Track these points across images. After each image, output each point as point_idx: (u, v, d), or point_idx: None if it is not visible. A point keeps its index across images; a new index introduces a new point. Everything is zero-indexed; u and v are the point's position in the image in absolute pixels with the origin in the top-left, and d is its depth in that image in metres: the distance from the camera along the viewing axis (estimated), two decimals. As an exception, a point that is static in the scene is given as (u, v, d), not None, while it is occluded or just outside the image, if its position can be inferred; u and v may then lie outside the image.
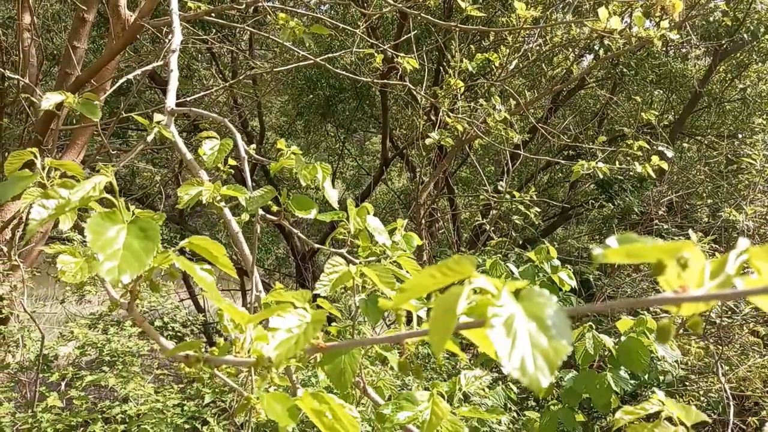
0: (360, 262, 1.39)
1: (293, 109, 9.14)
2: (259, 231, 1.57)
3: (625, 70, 6.76)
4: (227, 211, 1.56)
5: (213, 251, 0.88)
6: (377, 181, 8.61)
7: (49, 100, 1.44)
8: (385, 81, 4.52)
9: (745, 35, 6.27)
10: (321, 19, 4.04)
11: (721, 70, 7.83)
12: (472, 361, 3.94)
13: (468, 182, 9.60)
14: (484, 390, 3.17)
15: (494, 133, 4.60)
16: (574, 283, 2.94)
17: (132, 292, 0.89)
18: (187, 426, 3.04)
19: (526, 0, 3.96)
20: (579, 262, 5.96)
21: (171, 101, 1.71)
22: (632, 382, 2.63)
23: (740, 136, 7.48)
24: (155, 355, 4.09)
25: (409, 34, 4.33)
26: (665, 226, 5.60)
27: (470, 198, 8.84)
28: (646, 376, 3.16)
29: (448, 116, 4.24)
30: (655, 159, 4.00)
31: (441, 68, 6.35)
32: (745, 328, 4.23)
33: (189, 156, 1.69)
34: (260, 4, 3.04)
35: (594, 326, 2.58)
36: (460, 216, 7.81)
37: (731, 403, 3.41)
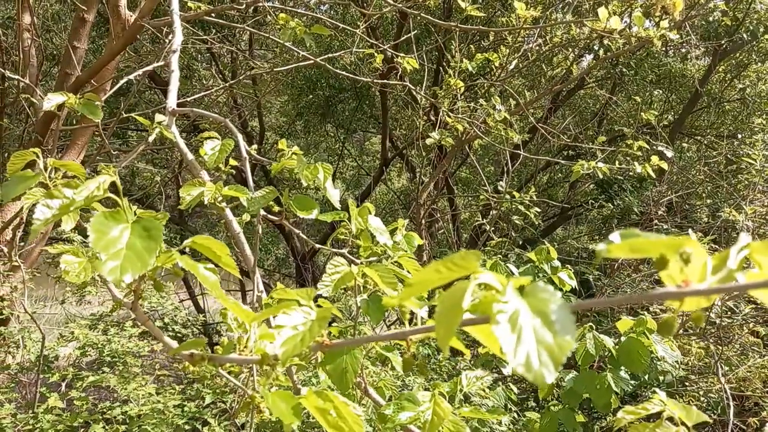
0: (361, 263, 1.39)
1: (293, 109, 9.14)
2: (260, 231, 1.58)
3: (624, 70, 6.77)
4: (229, 212, 1.57)
5: (216, 251, 0.88)
6: (377, 182, 8.62)
7: (51, 101, 1.44)
8: (385, 81, 4.53)
9: (744, 35, 6.27)
10: (321, 19, 4.04)
11: (720, 70, 7.84)
12: (472, 362, 3.94)
13: (468, 182, 9.60)
14: (484, 390, 3.17)
15: (494, 133, 4.60)
16: (574, 284, 2.94)
17: (135, 291, 0.89)
18: (187, 427, 3.04)
19: (526, 0, 3.97)
20: (579, 262, 5.97)
21: (172, 101, 1.71)
22: (632, 382, 2.63)
23: (740, 136, 7.48)
24: (155, 356, 4.10)
25: (409, 34, 4.33)
26: (665, 226, 5.60)
27: (470, 198, 8.84)
28: (646, 377, 3.17)
29: (448, 116, 4.24)
30: (654, 159, 4.00)
31: (441, 68, 6.36)
32: (745, 328, 4.23)
33: (190, 156, 1.69)
34: (260, 4, 3.04)
35: (594, 327, 2.58)
36: (459, 216, 7.81)
37: (731, 404, 3.41)
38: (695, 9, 5.59)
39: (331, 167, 1.58)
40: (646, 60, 7.00)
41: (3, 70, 2.93)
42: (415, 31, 4.78)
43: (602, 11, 3.00)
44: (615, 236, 0.46)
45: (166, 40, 3.08)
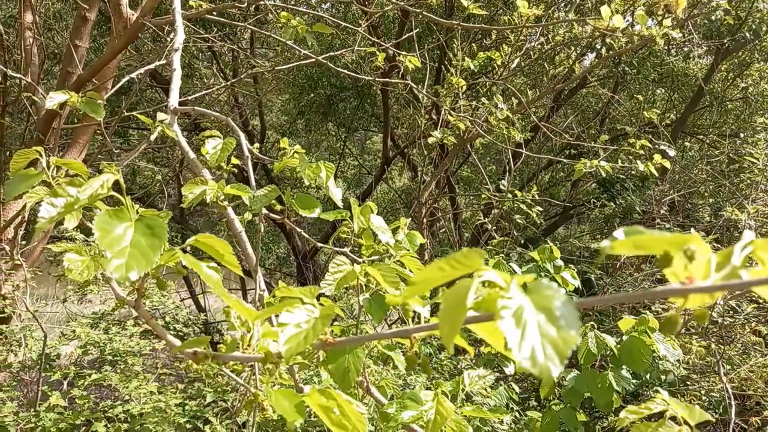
0: (363, 262, 1.39)
1: (294, 108, 9.15)
2: (263, 230, 1.58)
3: (627, 68, 6.76)
4: (230, 210, 1.57)
5: (219, 249, 0.88)
6: (378, 180, 8.62)
7: (53, 99, 1.45)
8: (387, 80, 4.53)
9: (747, 34, 6.26)
10: (322, 17, 4.04)
11: (722, 68, 7.82)
12: (474, 361, 3.94)
13: (469, 181, 9.60)
14: (486, 390, 3.17)
15: (496, 132, 4.60)
16: (577, 283, 2.94)
17: (139, 290, 0.89)
18: (189, 425, 3.05)
19: (528, -1, 3.96)
20: (581, 261, 5.96)
21: (174, 100, 1.72)
22: (634, 381, 2.63)
23: (742, 135, 7.47)
24: (157, 355, 4.10)
25: (411, 33, 4.33)
26: (667, 226, 5.60)
27: (471, 197, 8.84)
28: (647, 376, 3.17)
29: (450, 115, 4.24)
30: (657, 158, 4.00)
31: (442, 67, 6.35)
32: (746, 327, 4.23)
33: (192, 155, 1.69)
34: (262, 2, 3.04)
35: (595, 326, 2.58)
36: (461, 215, 7.81)
37: (733, 403, 3.40)
38: (698, 7, 5.58)
39: (333, 166, 1.58)
40: (649, 59, 6.99)
41: (5, 69, 2.94)
42: (417, 30, 4.78)
43: (605, 9, 3.00)
44: (619, 233, 0.46)
45: (168, 39, 3.08)
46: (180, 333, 4.17)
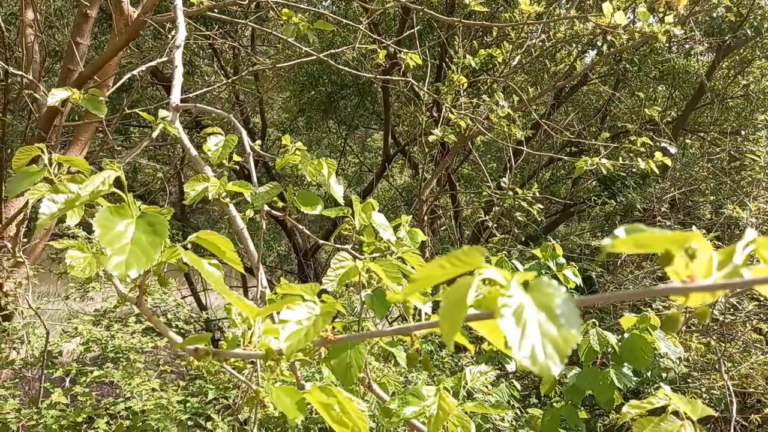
0: (365, 258, 1.39)
1: (295, 105, 9.14)
2: (264, 227, 1.58)
3: (628, 66, 6.75)
4: (232, 207, 1.57)
5: (221, 246, 0.88)
6: (379, 178, 8.62)
7: (55, 96, 1.45)
8: (388, 77, 4.52)
9: (748, 31, 6.25)
10: (324, 14, 4.03)
11: (724, 66, 7.81)
12: (475, 359, 3.94)
13: (470, 179, 9.60)
14: (487, 387, 3.17)
15: (497, 130, 4.59)
16: (579, 281, 2.94)
17: (140, 287, 0.89)
18: (190, 422, 3.05)
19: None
20: (581, 259, 5.96)
21: (176, 97, 1.72)
22: (634, 379, 2.63)
23: (743, 132, 7.46)
24: (158, 352, 4.11)
25: (412, 30, 4.32)
26: (668, 223, 5.59)
27: (472, 195, 8.84)
28: (648, 374, 3.17)
29: (451, 112, 4.24)
30: (658, 155, 3.99)
31: (443, 64, 6.35)
32: (747, 325, 4.23)
33: (194, 152, 1.69)
34: None
35: (597, 323, 2.58)
36: (462, 213, 7.81)
37: (734, 401, 3.41)
38: (699, 4, 5.57)
39: (335, 163, 1.58)
40: (650, 56, 6.98)
41: (6, 66, 2.94)
42: (418, 27, 4.77)
43: (606, 6, 2.99)
44: (620, 231, 0.46)
45: (169, 36, 3.08)
46: (181, 330, 4.17)
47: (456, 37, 5.02)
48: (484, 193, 5.35)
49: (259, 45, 8.26)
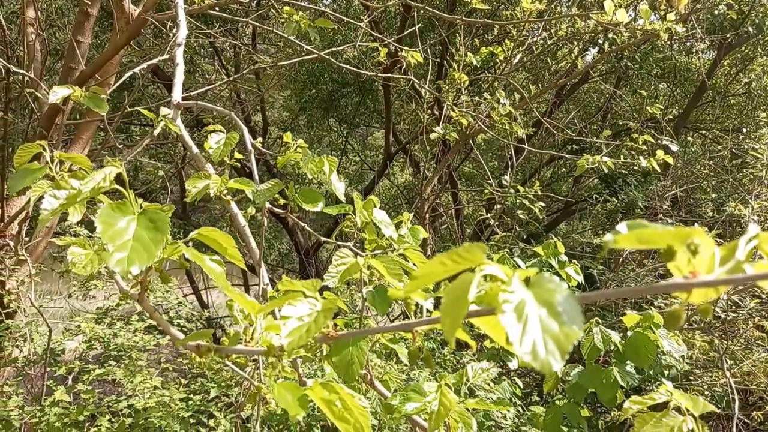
0: (366, 255, 1.39)
1: (296, 104, 9.14)
2: (266, 224, 1.58)
3: (629, 63, 6.74)
4: (234, 205, 1.57)
5: (222, 242, 0.88)
6: (380, 176, 8.62)
7: (57, 94, 1.45)
8: (389, 75, 4.51)
9: (750, 28, 6.23)
10: (325, 12, 4.03)
11: (725, 63, 7.79)
12: (476, 356, 3.95)
13: (471, 177, 9.60)
14: (489, 384, 3.18)
15: (498, 128, 4.59)
16: (580, 279, 2.94)
17: (142, 283, 0.90)
18: (192, 420, 3.06)
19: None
20: (583, 257, 5.96)
21: (177, 95, 1.72)
22: (637, 376, 2.63)
23: (745, 130, 7.44)
24: (160, 350, 4.11)
25: (413, 28, 4.32)
26: (669, 221, 5.59)
27: (474, 193, 8.84)
28: (650, 371, 3.16)
29: (453, 110, 4.23)
30: (659, 153, 3.99)
31: (445, 62, 6.34)
32: (750, 322, 4.22)
33: (195, 150, 1.69)
34: (264, -2, 3.03)
35: (600, 321, 2.58)
36: (463, 211, 7.80)
37: (736, 398, 3.41)
38: (700, 2, 5.56)
39: (336, 160, 1.58)
40: (651, 54, 6.96)
41: (8, 65, 2.94)
42: (419, 25, 4.76)
43: (608, 4, 2.99)
44: (622, 227, 0.46)
45: (170, 35, 3.08)
46: (183, 329, 4.18)
47: (457, 34, 5.01)
48: (486, 191, 5.35)
49: (260, 43, 8.26)
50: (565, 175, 9.40)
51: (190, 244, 0.89)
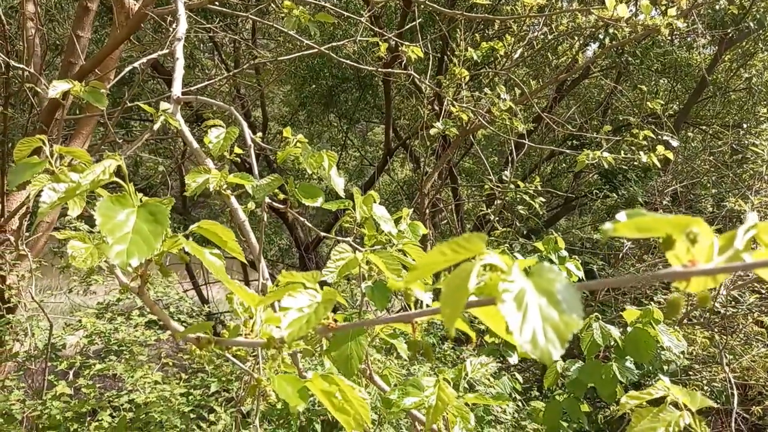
0: (365, 250, 1.39)
1: (296, 99, 9.13)
2: (266, 219, 1.58)
3: (630, 59, 6.73)
4: (234, 200, 1.57)
5: (222, 236, 0.88)
6: (380, 172, 8.61)
7: (56, 89, 1.45)
8: (389, 70, 4.51)
9: (751, 24, 6.22)
10: (325, 6, 4.02)
11: (726, 59, 7.78)
12: (477, 352, 3.96)
13: (471, 173, 9.59)
14: (489, 379, 3.18)
15: (498, 123, 4.58)
16: (581, 274, 2.94)
17: (142, 276, 0.90)
18: (193, 415, 3.07)
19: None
20: (583, 252, 5.96)
21: (177, 89, 1.71)
22: (636, 371, 2.64)
23: (745, 125, 7.44)
24: (161, 345, 4.13)
25: (413, 23, 4.31)
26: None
27: (474, 189, 8.84)
28: (650, 367, 3.17)
29: (453, 105, 4.23)
30: (660, 148, 3.98)
31: (445, 57, 6.33)
32: (749, 318, 4.23)
33: (195, 144, 1.69)
34: (264, -8, 3.02)
35: (599, 317, 2.58)
36: (463, 206, 7.80)
37: (735, 393, 3.41)
38: (702, -3, 5.54)
39: (336, 155, 1.57)
40: (652, 49, 6.95)
41: (7, 59, 2.93)
42: (419, 20, 4.75)
43: (608, -2, 2.98)
44: (621, 215, 0.46)
45: (170, 29, 3.08)
46: (184, 324, 4.18)
47: (458, 29, 5.00)
48: (486, 187, 5.35)
49: (260, 38, 8.24)
50: (566, 170, 9.40)
51: (191, 238, 0.89)
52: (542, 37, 5.22)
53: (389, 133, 7.76)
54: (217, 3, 3.34)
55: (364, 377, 1.39)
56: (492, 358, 3.18)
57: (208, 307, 5.53)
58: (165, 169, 6.59)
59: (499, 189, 5.20)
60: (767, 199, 5.01)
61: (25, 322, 3.28)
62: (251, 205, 1.58)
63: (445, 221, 7.62)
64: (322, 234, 1.83)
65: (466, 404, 1.30)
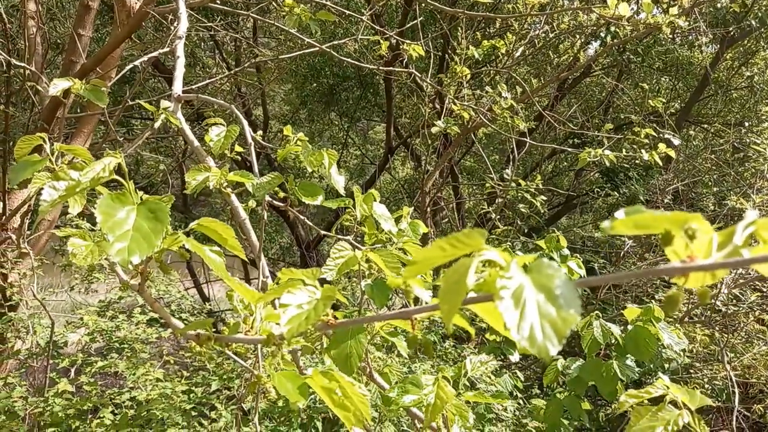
0: (365, 248, 1.39)
1: (297, 97, 9.13)
2: (266, 217, 1.58)
3: (631, 57, 6.72)
4: (234, 198, 1.57)
5: (222, 233, 0.88)
6: (381, 170, 8.61)
7: (57, 86, 1.45)
8: (390, 68, 4.50)
9: (753, 22, 6.20)
10: (326, 5, 4.02)
11: (728, 57, 7.76)
12: (478, 350, 3.96)
13: (472, 171, 9.59)
14: (490, 377, 3.18)
15: (500, 121, 4.58)
16: (583, 272, 2.94)
17: (142, 274, 0.90)
18: (194, 412, 3.07)
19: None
20: (584, 250, 5.96)
21: (178, 88, 1.71)
22: (637, 370, 2.63)
23: (747, 123, 7.43)
24: (162, 343, 4.13)
25: (414, 21, 4.30)
26: (671, 215, 5.57)
27: (475, 187, 8.83)
28: (651, 365, 3.17)
29: (454, 104, 4.22)
30: (661, 147, 3.98)
31: (446, 56, 6.32)
32: (750, 316, 4.23)
33: (196, 143, 1.69)
34: (265, -9, 3.02)
35: (600, 315, 2.58)
36: (464, 205, 7.80)
37: (736, 391, 3.41)
38: (704, -5, 5.53)
39: (336, 153, 1.57)
40: (653, 47, 6.94)
41: (9, 58, 2.94)
42: (421, 18, 4.74)
43: (610, -4, 2.97)
44: (620, 213, 0.46)
45: (171, 28, 3.08)
46: (185, 322, 4.19)
47: (459, 28, 4.99)
48: (487, 185, 5.34)
49: (261, 37, 8.24)
50: (567, 168, 9.39)
51: (191, 235, 0.89)
52: (543, 35, 5.21)
53: (390, 131, 7.76)
54: (218, 1, 3.34)
55: (364, 375, 1.39)
56: (492, 356, 3.18)
57: (209, 305, 5.54)
58: (166, 168, 6.60)
59: (501, 187, 5.20)
60: (769, 197, 5.01)
61: (26, 319, 3.29)
62: (252, 203, 1.58)
63: (447, 220, 7.62)
64: (323, 232, 1.83)
65: (467, 402, 1.30)
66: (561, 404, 2.87)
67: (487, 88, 4.72)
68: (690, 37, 7.62)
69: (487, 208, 5.57)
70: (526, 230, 6.53)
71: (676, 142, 5.09)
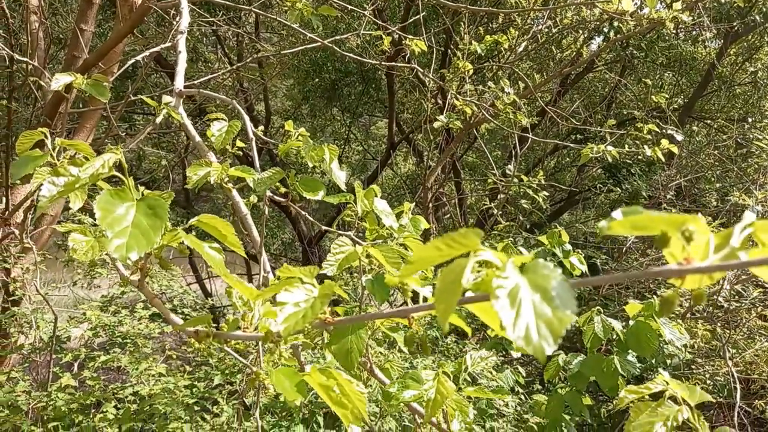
0: (366, 244, 1.39)
1: (299, 93, 9.12)
2: (267, 213, 1.58)
3: (635, 52, 6.69)
4: (235, 193, 1.57)
5: (222, 230, 0.88)
6: (383, 166, 8.60)
7: (59, 81, 1.45)
8: (392, 63, 4.49)
9: (757, 17, 6.17)
10: (328, 0, 4.01)
11: (731, 52, 7.72)
12: (479, 345, 3.96)
13: (475, 167, 9.57)
14: (491, 372, 3.19)
15: (502, 117, 4.57)
16: (585, 268, 2.94)
17: (142, 269, 0.90)
18: (197, 407, 3.09)
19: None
20: (586, 246, 5.95)
21: (179, 83, 1.71)
22: (639, 365, 2.64)
23: (750, 119, 7.39)
24: (164, 338, 4.15)
25: (417, 16, 4.29)
26: (673, 210, 5.57)
27: (477, 183, 8.82)
28: (652, 360, 3.17)
29: (457, 99, 4.21)
30: (664, 142, 3.96)
31: (449, 51, 6.30)
32: (752, 312, 4.22)
33: (198, 138, 1.69)
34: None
35: (602, 310, 2.58)
36: (466, 200, 7.79)
37: (738, 387, 3.41)
38: (708, -10, 5.50)
39: (337, 149, 1.57)
40: (657, 42, 6.91)
41: (11, 53, 2.94)
42: (423, 13, 4.73)
43: (612, -9, 2.96)
44: (617, 213, 0.46)
45: (173, 23, 3.07)
46: (187, 317, 4.20)
47: (462, 23, 4.98)
48: (489, 181, 5.34)
49: (263, 32, 8.22)
50: (569, 164, 9.37)
51: (192, 232, 0.89)
52: (546, 30, 5.19)
53: (392, 127, 7.75)
54: (219, -4, 3.34)
55: (364, 370, 1.40)
56: (493, 351, 3.18)
57: (211, 300, 5.55)
58: (168, 163, 6.60)
59: (503, 183, 5.19)
60: (772, 193, 4.99)
61: (29, 314, 3.30)
62: (253, 199, 1.58)
63: (448, 215, 7.62)
64: (324, 228, 1.83)
65: (468, 398, 1.30)
66: (562, 399, 2.88)
67: (490, 83, 4.71)
68: (693, 33, 7.58)
69: (490, 203, 5.57)
70: (528, 226, 6.53)
71: (679, 137, 5.07)
